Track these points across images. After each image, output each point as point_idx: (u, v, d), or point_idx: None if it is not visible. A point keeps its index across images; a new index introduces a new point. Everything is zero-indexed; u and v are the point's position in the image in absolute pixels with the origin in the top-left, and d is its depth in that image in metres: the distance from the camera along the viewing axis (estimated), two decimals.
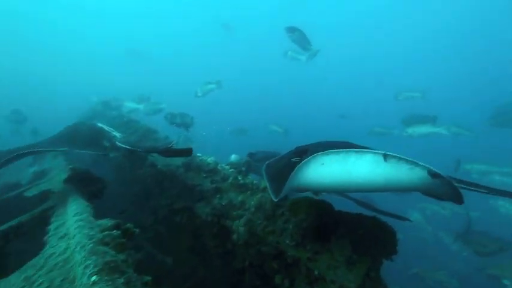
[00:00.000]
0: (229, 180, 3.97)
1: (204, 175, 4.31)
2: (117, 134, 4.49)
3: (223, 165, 4.40)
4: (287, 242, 2.93)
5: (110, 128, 4.62)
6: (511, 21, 25.07)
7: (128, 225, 2.12)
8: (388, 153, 1.78)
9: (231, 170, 4.21)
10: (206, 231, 4.12)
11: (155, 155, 5.19)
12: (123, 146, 4.04)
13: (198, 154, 4.88)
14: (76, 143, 4.02)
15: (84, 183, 3.58)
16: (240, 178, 3.97)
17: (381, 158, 1.79)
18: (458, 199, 1.87)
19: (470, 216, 7.31)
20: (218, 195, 3.85)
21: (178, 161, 4.81)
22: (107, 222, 2.12)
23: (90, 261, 1.72)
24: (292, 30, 8.38)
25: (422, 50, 29.09)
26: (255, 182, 3.86)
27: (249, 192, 3.75)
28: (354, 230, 2.78)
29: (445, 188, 1.85)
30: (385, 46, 30.10)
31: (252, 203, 3.39)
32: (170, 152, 3.84)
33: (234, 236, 3.39)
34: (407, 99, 11.54)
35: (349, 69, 29.46)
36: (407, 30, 30.23)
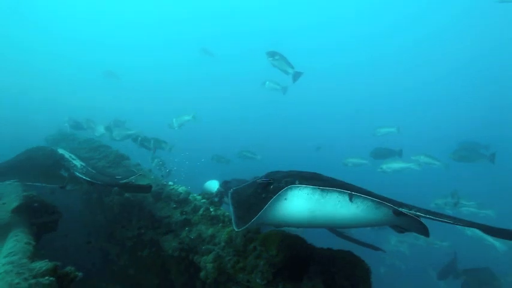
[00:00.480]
0: (200, 212, 3.76)
1: (174, 206, 4.08)
2: (78, 163, 4.17)
3: (195, 195, 4.20)
4: (258, 280, 2.73)
5: (71, 155, 4.30)
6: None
7: (68, 269, 1.84)
8: (353, 193, 1.78)
9: (202, 201, 4.02)
10: (173, 267, 3.82)
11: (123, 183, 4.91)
12: (83, 177, 3.74)
13: (170, 183, 4.66)
14: (29, 173, 3.66)
15: (37, 214, 3.23)
16: (211, 209, 3.79)
17: (346, 197, 1.80)
18: (423, 232, 1.92)
19: (455, 254, 7.42)
20: (187, 228, 3.62)
21: None
22: (42, 265, 1.82)
23: None
24: (272, 54, 8.50)
25: (396, 87, 30.92)
26: (227, 213, 3.68)
27: (220, 224, 3.56)
28: (327, 267, 2.65)
29: (410, 223, 1.89)
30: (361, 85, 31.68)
31: (223, 236, 3.19)
32: (129, 188, 3.68)
33: (202, 274, 3.14)
34: (385, 135, 12.17)
35: (328, 102, 30.64)
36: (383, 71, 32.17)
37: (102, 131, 8.75)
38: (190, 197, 4.15)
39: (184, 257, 3.47)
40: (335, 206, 1.87)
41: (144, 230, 4.79)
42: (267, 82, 10.53)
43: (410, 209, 2.15)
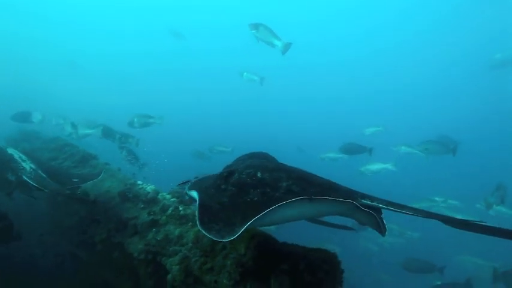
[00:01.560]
0: (169, 212, 3.60)
1: (142, 206, 3.89)
2: (27, 166, 3.84)
3: (164, 193, 4.02)
4: (225, 281, 2.62)
5: (21, 156, 3.95)
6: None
7: None
8: (313, 197, 1.89)
9: (172, 200, 3.85)
10: (141, 271, 3.64)
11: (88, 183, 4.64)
12: (30, 181, 3.48)
13: (139, 182, 4.45)
14: None
15: None
16: (181, 208, 3.63)
17: (307, 201, 1.90)
18: (379, 229, 2.01)
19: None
20: (154, 229, 3.45)
21: (114, 189, 4.33)
22: None
23: None
24: (256, 26, 7.51)
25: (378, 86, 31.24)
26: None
27: (189, 224, 3.41)
28: (295, 264, 2.57)
29: (367, 217, 1.99)
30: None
31: (190, 237, 3.06)
32: (74, 198, 3.49)
33: (169, 276, 2.99)
34: (374, 134, 12.35)
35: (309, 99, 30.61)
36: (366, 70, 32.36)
37: (68, 131, 8.17)
38: (159, 196, 3.97)
39: (151, 259, 3.31)
40: (301, 209, 2.02)
41: (113, 232, 4.56)
42: (245, 73, 10.35)
43: (373, 201, 2.12)
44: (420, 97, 28.80)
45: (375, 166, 10.42)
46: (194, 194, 2.43)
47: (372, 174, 10.44)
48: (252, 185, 2.30)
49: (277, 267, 2.64)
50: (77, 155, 5.70)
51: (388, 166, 10.37)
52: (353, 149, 9.82)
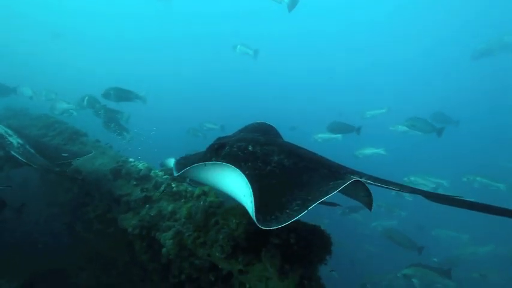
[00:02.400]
0: (162, 188, 3.62)
1: (135, 183, 3.90)
2: (14, 140, 3.74)
3: (156, 171, 4.02)
4: (217, 254, 2.70)
5: (7, 131, 3.84)
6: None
7: None
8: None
9: (164, 177, 3.85)
10: (136, 245, 3.72)
11: (80, 160, 4.60)
12: (18, 157, 3.42)
13: (131, 159, 4.43)
14: None
15: None
16: (173, 185, 3.65)
17: None
18: (367, 203, 1.98)
19: None
20: (147, 205, 3.48)
21: (106, 167, 4.31)
22: None
23: None
24: None
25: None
26: (189, 189, 3.56)
27: (182, 200, 3.45)
28: (286, 238, 2.64)
29: (356, 191, 1.96)
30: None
31: (183, 212, 3.10)
32: (64, 176, 3.41)
33: (163, 250, 3.07)
34: (374, 116, 12.17)
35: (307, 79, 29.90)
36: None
37: (64, 107, 7.80)
38: (151, 173, 3.97)
39: (146, 234, 3.37)
40: None
41: (107, 208, 4.61)
42: (238, 46, 9.96)
43: (361, 177, 2.14)
44: (416, 75, 28.53)
45: (369, 151, 10.64)
46: (179, 164, 2.41)
47: (365, 157, 10.64)
48: (243, 158, 2.27)
49: (268, 241, 2.72)
50: (66, 132, 5.59)
51: (380, 151, 10.58)
52: (340, 128, 9.84)
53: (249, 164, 2.21)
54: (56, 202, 5.64)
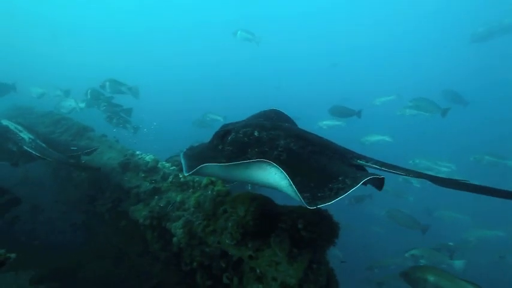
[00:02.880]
0: (170, 179, 3.67)
1: (143, 175, 3.96)
2: (26, 136, 3.84)
3: (163, 162, 4.07)
4: (227, 241, 2.75)
5: (17, 127, 3.92)
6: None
7: None
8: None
9: (172, 168, 3.91)
10: (148, 235, 3.81)
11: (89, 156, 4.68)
12: (32, 151, 3.50)
13: (137, 152, 4.48)
14: None
15: None
16: (181, 176, 3.70)
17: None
18: (378, 185, 1.94)
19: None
20: (157, 196, 3.54)
21: (114, 161, 4.38)
22: None
23: None
24: None
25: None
26: (197, 179, 3.60)
27: (190, 190, 3.50)
28: (294, 223, 2.68)
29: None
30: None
31: (192, 202, 3.15)
32: (79, 167, 3.47)
33: (174, 239, 3.15)
34: (384, 104, 12.10)
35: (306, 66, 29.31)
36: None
37: (72, 105, 7.77)
38: (159, 165, 4.03)
39: (156, 224, 3.44)
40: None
41: (117, 201, 4.70)
42: (239, 32, 9.72)
43: (368, 161, 2.14)
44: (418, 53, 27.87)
45: (375, 138, 10.68)
46: (187, 158, 2.37)
47: (371, 145, 10.67)
48: (249, 144, 2.26)
49: (276, 227, 2.76)
50: (73, 129, 5.67)
51: (386, 138, 10.63)
52: (341, 112, 9.78)
53: (256, 149, 2.19)
54: (67, 198, 5.77)
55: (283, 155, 2.11)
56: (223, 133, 2.45)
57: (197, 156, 2.39)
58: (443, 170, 10.07)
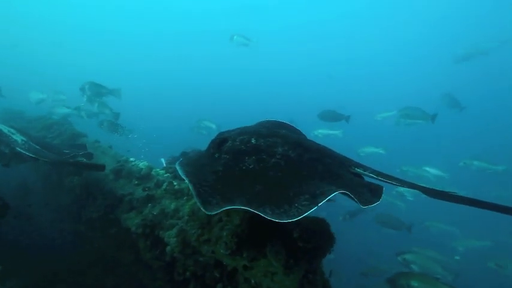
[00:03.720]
0: (163, 187, 3.62)
1: (136, 182, 3.89)
2: (18, 138, 3.87)
3: (158, 170, 4.01)
4: (222, 251, 2.70)
5: (10, 130, 3.94)
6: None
7: None
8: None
9: (166, 175, 3.85)
10: (140, 244, 3.73)
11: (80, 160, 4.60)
12: (25, 153, 3.51)
13: (131, 159, 4.42)
14: None
15: None
16: (175, 183, 3.64)
17: None
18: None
19: None
20: (150, 204, 3.48)
21: (107, 167, 4.29)
22: None
23: None
24: None
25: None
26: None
27: (184, 198, 3.45)
28: (290, 233, 2.65)
29: None
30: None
31: (186, 210, 3.10)
32: (80, 166, 3.44)
33: (168, 248, 3.08)
34: (385, 119, 12.25)
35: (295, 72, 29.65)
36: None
37: (64, 112, 7.63)
38: (152, 172, 3.97)
39: (149, 233, 3.37)
40: None
41: (110, 208, 4.61)
42: (235, 36, 9.71)
43: (365, 170, 2.14)
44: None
45: (369, 149, 10.97)
46: (184, 167, 2.30)
47: (367, 156, 10.90)
48: (247, 152, 2.23)
49: (272, 236, 2.72)
50: (65, 134, 5.58)
51: (380, 150, 10.94)
52: (330, 116, 9.82)
53: (253, 157, 2.16)
54: (59, 204, 5.65)
55: (281, 163, 2.08)
56: (220, 141, 2.41)
57: (193, 164, 2.33)
58: (432, 176, 10.19)
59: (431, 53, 27.24)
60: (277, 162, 2.09)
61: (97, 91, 6.72)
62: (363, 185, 1.97)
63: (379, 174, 2.12)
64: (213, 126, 11.36)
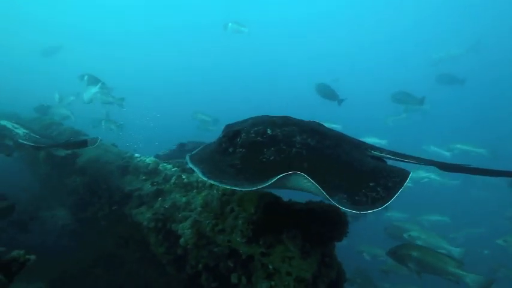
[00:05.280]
0: (172, 180, 3.62)
1: (144, 177, 3.88)
2: (21, 131, 4.19)
3: (165, 164, 4.01)
4: (238, 239, 2.73)
5: (14, 125, 4.27)
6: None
7: (16, 253, 1.62)
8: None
9: (174, 169, 3.85)
10: (152, 239, 3.73)
11: (84, 159, 4.59)
12: (25, 142, 3.88)
13: (136, 155, 4.40)
14: None
15: None
16: (184, 177, 3.65)
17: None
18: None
19: None
20: (160, 198, 3.48)
21: (112, 164, 4.28)
22: None
23: None
24: None
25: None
26: (200, 179, 3.56)
27: (194, 191, 3.46)
28: (304, 218, 2.70)
29: None
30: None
31: (198, 202, 3.12)
32: (68, 145, 4.07)
33: (182, 240, 3.09)
34: (395, 121, 12.90)
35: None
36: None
37: (63, 113, 7.54)
38: (160, 167, 3.96)
39: (161, 227, 3.38)
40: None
41: (116, 206, 4.59)
42: (230, 24, 9.54)
43: (382, 152, 2.18)
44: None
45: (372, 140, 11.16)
46: (197, 165, 2.18)
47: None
48: (264, 143, 2.14)
49: (287, 223, 2.77)
50: (65, 133, 5.53)
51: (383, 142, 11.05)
52: (325, 91, 9.56)
53: (272, 148, 2.08)
54: (61, 204, 5.59)
55: (302, 152, 2.04)
56: (233, 134, 2.30)
57: (207, 161, 2.25)
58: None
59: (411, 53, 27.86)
60: (298, 151, 2.04)
61: (94, 84, 6.71)
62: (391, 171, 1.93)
63: (395, 154, 2.17)
64: (209, 119, 11.16)
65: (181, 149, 4.28)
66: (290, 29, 30.01)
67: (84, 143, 3.86)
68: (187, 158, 2.39)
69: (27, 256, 1.60)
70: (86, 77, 6.84)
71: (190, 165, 2.23)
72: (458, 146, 10.28)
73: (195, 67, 27.43)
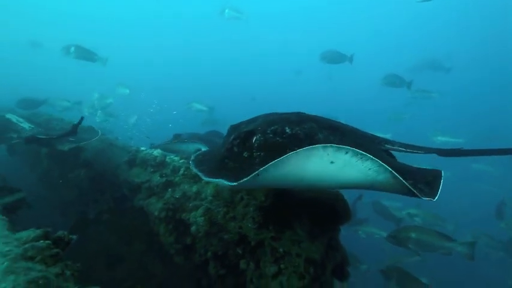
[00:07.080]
0: (181, 172, 3.73)
1: (152, 170, 3.98)
2: (26, 125, 4.34)
3: (172, 156, 4.11)
4: (249, 225, 2.88)
5: (18, 119, 4.42)
6: None
7: (61, 233, 1.77)
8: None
9: (181, 161, 3.96)
10: (161, 229, 3.84)
11: (89, 153, 4.65)
12: (32, 135, 4.04)
13: (142, 148, 4.49)
14: None
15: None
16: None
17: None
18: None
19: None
20: (170, 189, 3.60)
21: (120, 158, 4.36)
22: (30, 233, 1.69)
23: (5, 284, 1.32)
24: None
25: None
26: None
27: (203, 181, 3.58)
28: (311, 205, 2.87)
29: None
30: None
31: (209, 191, 3.25)
32: (64, 135, 4.22)
33: (193, 228, 3.22)
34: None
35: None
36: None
37: (66, 105, 7.42)
38: (167, 159, 4.06)
39: (172, 216, 3.50)
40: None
41: (120, 199, 4.67)
42: (227, 10, 9.40)
43: (394, 145, 2.31)
44: None
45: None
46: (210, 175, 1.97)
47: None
48: (284, 144, 1.93)
49: (294, 210, 2.93)
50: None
51: (388, 136, 11.44)
52: (334, 57, 9.48)
53: (296, 148, 1.69)
54: (61, 200, 5.61)
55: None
56: (245, 135, 2.05)
57: (220, 169, 2.02)
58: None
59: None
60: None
61: (83, 55, 6.50)
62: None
63: (407, 146, 2.28)
64: (205, 108, 10.92)
65: (177, 139, 4.37)
66: (287, 20, 30.17)
67: (74, 129, 4.13)
68: (194, 169, 2.20)
69: (70, 236, 1.73)
70: (72, 49, 6.54)
71: (205, 179, 2.03)
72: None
73: (189, 59, 27.31)
